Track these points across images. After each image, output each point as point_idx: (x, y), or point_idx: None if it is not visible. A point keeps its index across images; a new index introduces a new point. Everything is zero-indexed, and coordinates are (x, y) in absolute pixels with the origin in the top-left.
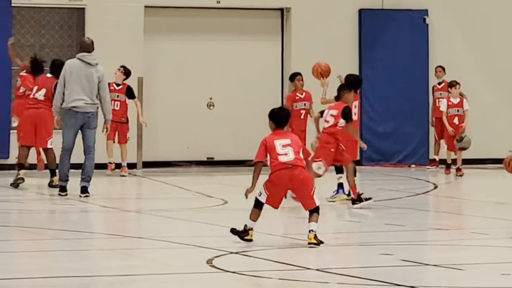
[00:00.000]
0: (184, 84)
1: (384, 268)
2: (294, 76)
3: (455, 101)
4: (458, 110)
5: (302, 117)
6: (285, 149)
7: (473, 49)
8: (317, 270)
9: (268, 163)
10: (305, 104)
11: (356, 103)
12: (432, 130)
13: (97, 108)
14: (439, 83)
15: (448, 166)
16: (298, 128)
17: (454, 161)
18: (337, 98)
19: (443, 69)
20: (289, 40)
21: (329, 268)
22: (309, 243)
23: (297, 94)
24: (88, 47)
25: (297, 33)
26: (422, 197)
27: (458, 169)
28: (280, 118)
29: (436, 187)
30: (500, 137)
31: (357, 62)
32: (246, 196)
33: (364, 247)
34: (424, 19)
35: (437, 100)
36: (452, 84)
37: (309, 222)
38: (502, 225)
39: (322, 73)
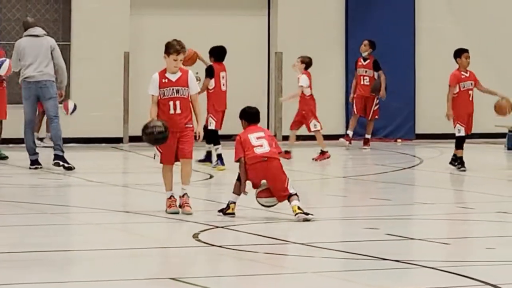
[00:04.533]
0: None
1: (369, 242)
2: (461, 53)
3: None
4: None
5: (470, 98)
6: (259, 141)
7: (460, 21)
8: (302, 244)
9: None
10: (472, 84)
11: (223, 74)
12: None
13: (52, 78)
14: (364, 59)
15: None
16: (466, 111)
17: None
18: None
19: (371, 43)
20: (275, 14)
21: (313, 242)
22: (296, 214)
23: (463, 72)
24: (32, 24)
25: (283, 8)
26: (408, 172)
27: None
28: (250, 115)
29: (422, 161)
30: (487, 111)
31: (344, 36)
32: (245, 193)
33: (349, 221)
34: None
35: (361, 77)
36: None
37: (290, 203)
38: (488, 199)
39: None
